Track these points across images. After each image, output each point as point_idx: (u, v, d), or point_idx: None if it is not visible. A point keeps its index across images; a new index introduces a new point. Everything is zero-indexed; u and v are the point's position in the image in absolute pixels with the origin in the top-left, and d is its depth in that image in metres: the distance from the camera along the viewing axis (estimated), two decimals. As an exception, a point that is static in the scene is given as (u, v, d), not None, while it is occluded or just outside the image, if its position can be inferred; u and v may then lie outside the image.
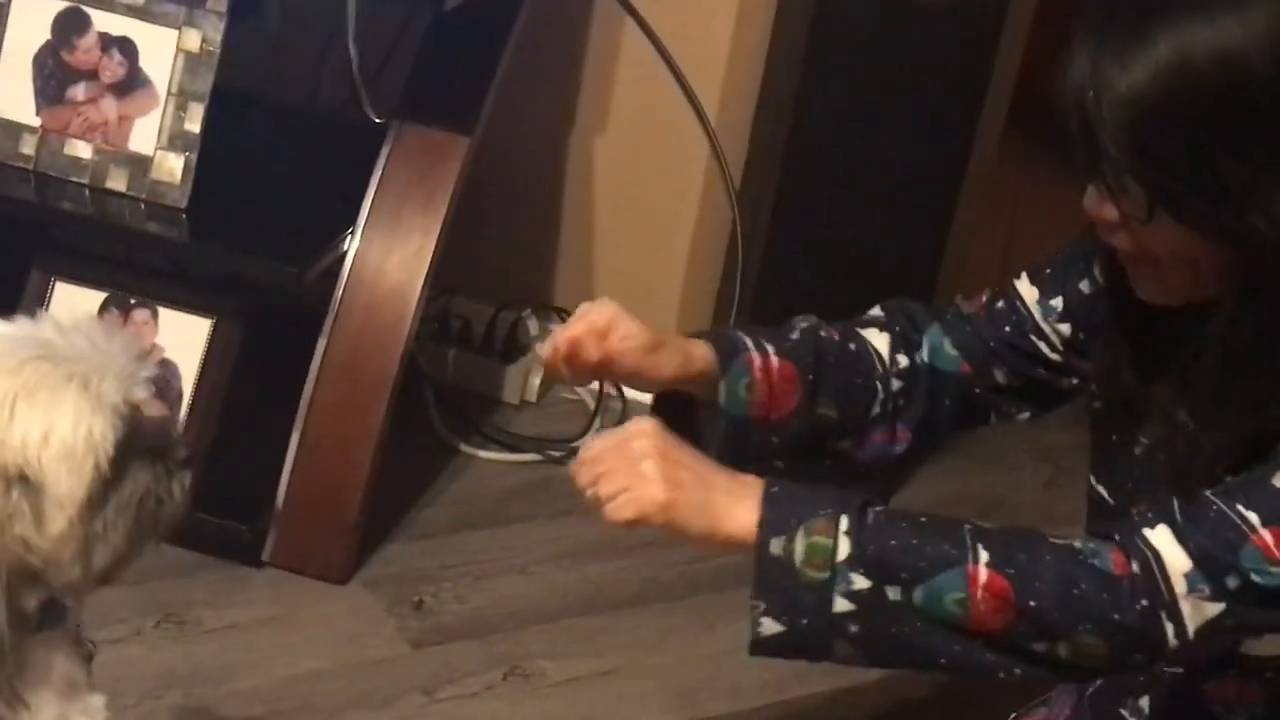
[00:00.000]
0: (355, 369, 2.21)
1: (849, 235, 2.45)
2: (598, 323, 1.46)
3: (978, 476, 2.63)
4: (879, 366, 1.56)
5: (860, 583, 1.30)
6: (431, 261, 2.24)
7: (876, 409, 1.56)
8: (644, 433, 1.37)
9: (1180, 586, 1.29)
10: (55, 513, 1.26)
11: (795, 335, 1.55)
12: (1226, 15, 1.25)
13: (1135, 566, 1.30)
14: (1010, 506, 2.55)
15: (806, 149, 2.43)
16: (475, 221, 2.52)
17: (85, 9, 2.23)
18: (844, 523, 1.32)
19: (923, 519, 1.35)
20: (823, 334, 1.55)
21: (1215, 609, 1.28)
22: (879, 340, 1.57)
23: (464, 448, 2.52)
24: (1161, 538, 1.30)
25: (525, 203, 2.68)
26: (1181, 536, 1.30)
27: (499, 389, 2.65)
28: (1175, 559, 1.29)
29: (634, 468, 1.34)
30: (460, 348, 2.66)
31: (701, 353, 1.50)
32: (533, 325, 2.70)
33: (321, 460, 2.20)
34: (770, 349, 1.51)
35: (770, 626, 1.32)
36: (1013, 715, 1.73)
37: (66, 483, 1.25)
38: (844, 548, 1.31)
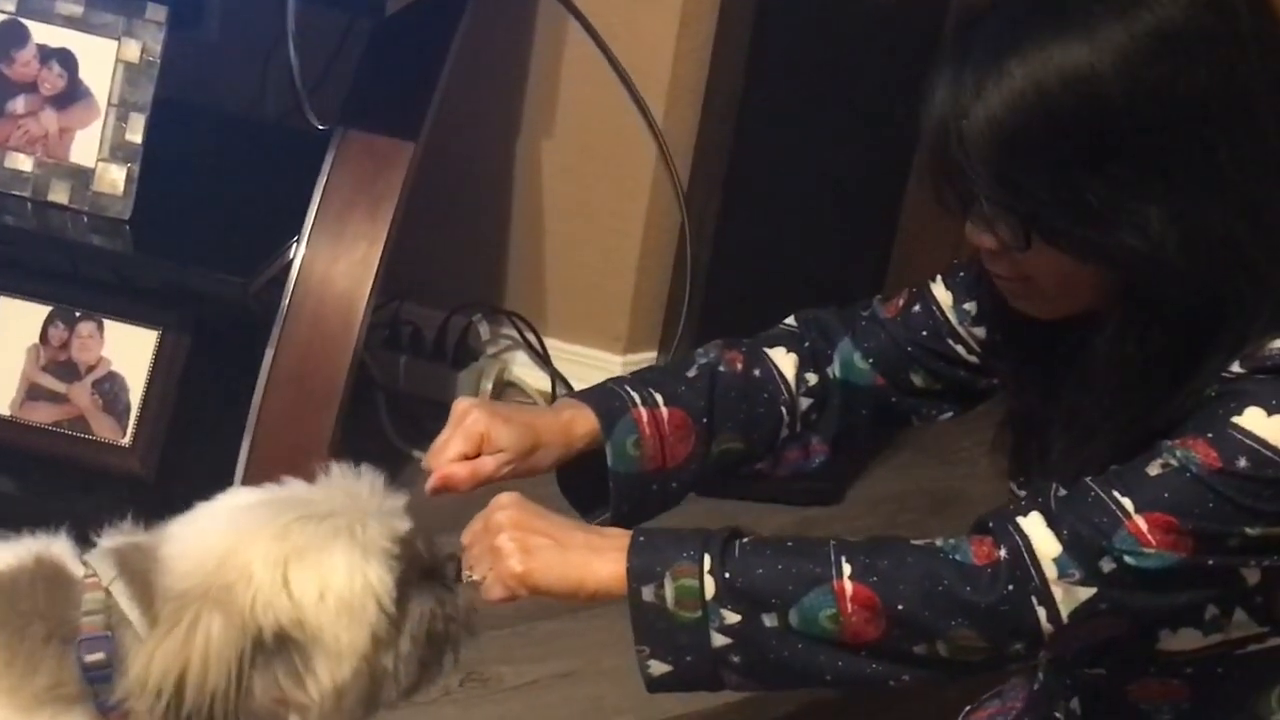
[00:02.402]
0: (304, 378, 2.20)
1: (796, 234, 2.46)
2: (472, 430, 1.48)
3: (931, 471, 2.64)
4: (784, 391, 1.58)
5: (732, 617, 1.33)
6: (378, 268, 2.23)
7: (785, 431, 1.58)
8: (501, 506, 1.39)
9: (1050, 571, 1.31)
10: (332, 666, 1.27)
11: (693, 372, 1.57)
12: (1077, 41, 1.26)
13: (1003, 552, 1.32)
14: (965, 500, 2.56)
15: (752, 148, 2.44)
16: (424, 227, 2.52)
17: (23, 21, 2.22)
18: (707, 562, 1.34)
19: (789, 543, 1.37)
20: (722, 368, 1.57)
21: (1087, 593, 1.30)
22: (785, 361, 1.59)
23: (416, 454, 2.51)
24: (1032, 523, 1.32)
25: (474, 207, 2.68)
26: (1053, 521, 1.32)
27: (451, 395, 2.64)
28: (1044, 543, 1.31)
29: (493, 545, 1.37)
30: (411, 354, 2.66)
31: (583, 424, 1.52)
32: (484, 330, 2.69)
33: (273, 470, 2.13)
34: (659, 398, 1.53)
35: (658, 667, 1.35)
36: (966, 708, 1.73)
37: (347, 635, 1.27)
38: (710, 586, 1.33)
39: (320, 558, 1.27)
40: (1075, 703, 1.52)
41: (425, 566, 1.35)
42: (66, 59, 2.21)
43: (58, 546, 1.33)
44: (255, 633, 1.25)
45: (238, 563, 1.26)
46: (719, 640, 1.33)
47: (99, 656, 1.27)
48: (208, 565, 1.27)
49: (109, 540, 1.34)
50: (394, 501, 1.34)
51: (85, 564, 1.31)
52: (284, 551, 1.27)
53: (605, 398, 1.53)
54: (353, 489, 1.33)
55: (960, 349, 1.59)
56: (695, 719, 2.08)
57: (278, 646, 1.26)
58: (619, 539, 1.37)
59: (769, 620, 1.33)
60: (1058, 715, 1.54)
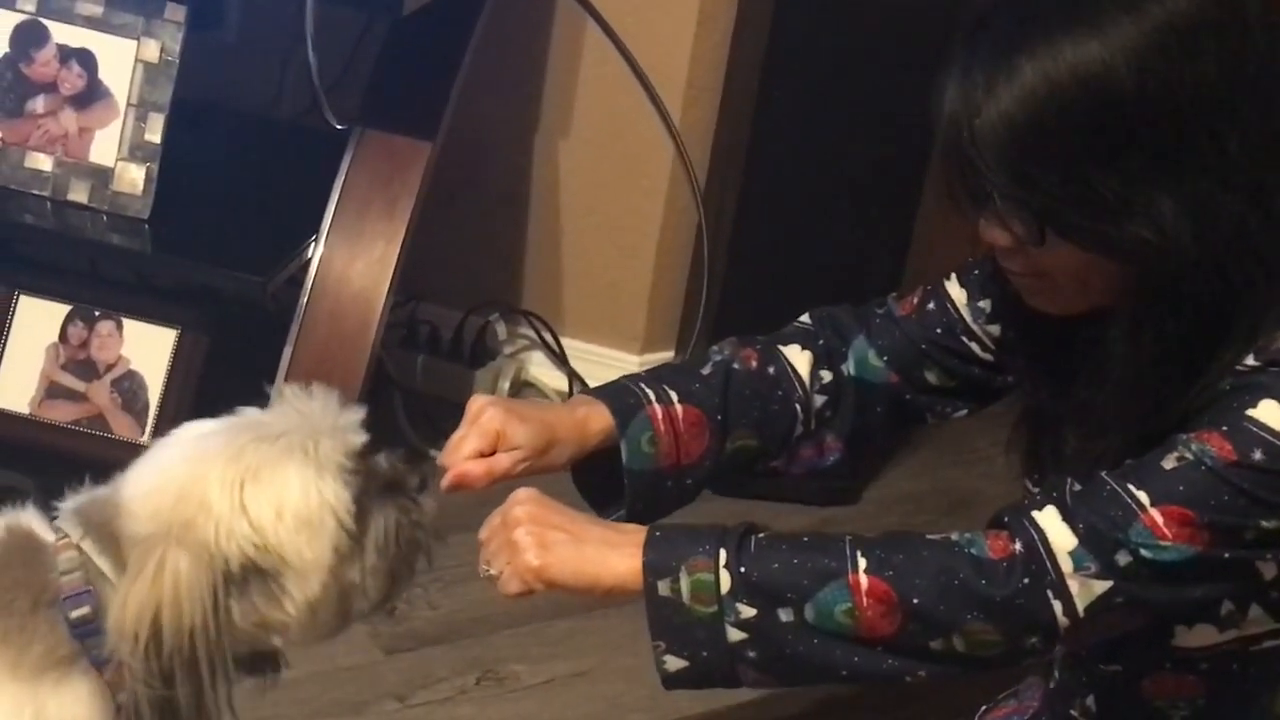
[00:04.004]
0: (322, 377, 2.15)
1: (813, 232, 2.46)
2: (487, 428, 1.49)
3: (948, 471, 2.64)
4: (798, 388, 1.58)
5: (747, 611, 1.33)
6: (395, 268, 2.24)
7: (799, 429, 1.58)
8: (518, 501, 1.40)
9: (1066, 564, 1.30)
10: (301, 583, 1.28)
11: (707, 370, 1.57)
12: (1087, 37, 1.27)
13: (1018, 546, 1.32)
14: (981, 501, 2.56)
15: (769, 148, 2.44)
16: (441, 226, 2.52)
17: (43, 21, 2.23)
18: (723, 556, 1.34)
19: (805, 538, 1.37)
20: (736, 366, 1.57)
21: (1103, 586, 1.30)
22: (800, 359, 1.59)
23: (433, 454, 2.51)
24: (1048, 517, 1.32)
25: (491, 206, 2.68)
26: (1069, 515, 1.32)
27: (468, 395, 2.63)
28: (1060, 537, 1.31)
29: (510, 540, 1.37)
30: (428, 353, 2.66)
31: (598, 421, 1.52)
32: (501, 330, 2.70)
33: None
34: (674, 395, 1.54)
35: (674, 663, 1.35)
36: (983, 708, 1.73)
37: (309, 551, 1.28)
38: (725, 580, 1.33)
39: (274, 476, 1.27)
40: (1091, 700, 1.51)
41: (386, 480, 1.35)
42: (86, 59, 2.22)
43: (25, 516, 1.33)
44: (223, 565, 1.26)
45: (195, 495, 1.26)
46: (735, 635, 1.33)
47: (84, 611, 1.27)
48: (166, 502, 1.27)
49: (72, 501, 1.33)
50: (348, 418, 1.33)
51: (55, 528, 1.31)
52: (238, 474, 1.27)
53: (620, 395, 1.54)
54: (305, 408, 1.32)
55: (974, 346, 1.59)
56: (710, 718, 2.08)
57: (248, 574, 1.27)
58: (635, 534, 1.37)
59: (785, 615, 1.33)
60: (1074, 713, 1.54)
